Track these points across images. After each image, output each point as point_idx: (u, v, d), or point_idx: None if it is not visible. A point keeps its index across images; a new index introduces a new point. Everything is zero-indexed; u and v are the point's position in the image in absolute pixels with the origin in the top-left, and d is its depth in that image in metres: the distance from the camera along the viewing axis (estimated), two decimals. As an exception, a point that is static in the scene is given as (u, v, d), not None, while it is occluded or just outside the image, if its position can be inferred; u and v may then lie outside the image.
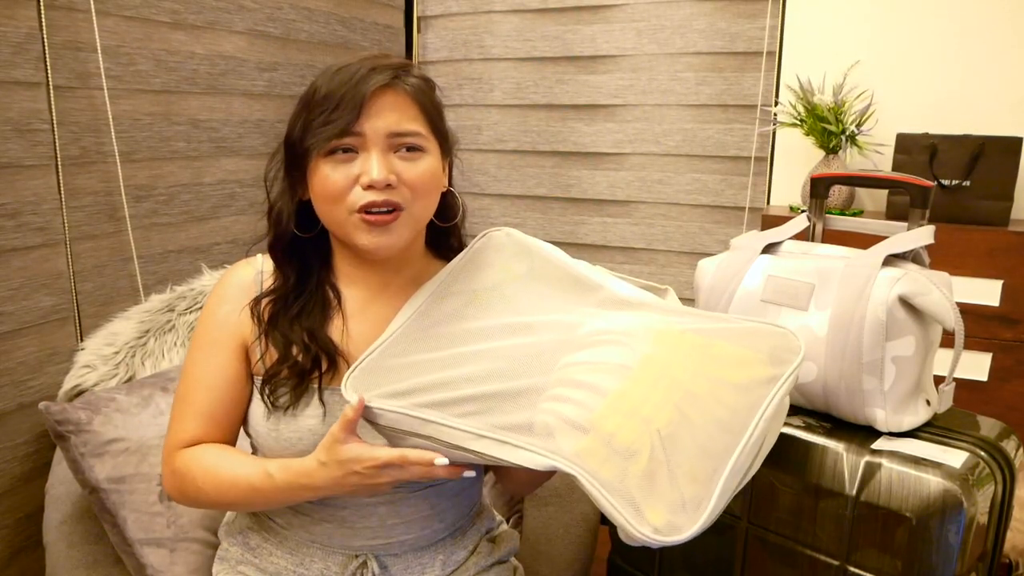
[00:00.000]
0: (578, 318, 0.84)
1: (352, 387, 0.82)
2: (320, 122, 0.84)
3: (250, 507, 0.96)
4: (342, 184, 0.84)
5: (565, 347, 0.80)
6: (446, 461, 0.77)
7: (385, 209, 0.85)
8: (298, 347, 0.90)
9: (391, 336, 0.87)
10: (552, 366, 0.78)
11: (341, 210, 0.85)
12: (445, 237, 1.00)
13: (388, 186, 0.84)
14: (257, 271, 0.95)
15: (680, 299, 0.93)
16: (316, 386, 0.90)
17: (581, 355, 0.79)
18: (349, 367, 0.90)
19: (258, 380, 0.91)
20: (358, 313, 0.94)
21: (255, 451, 0.97)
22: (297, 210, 0.92)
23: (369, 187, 0.84)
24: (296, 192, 0.91)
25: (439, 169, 0.90)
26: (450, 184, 0.97)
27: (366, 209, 0.84)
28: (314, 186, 0.87)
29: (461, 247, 0.99)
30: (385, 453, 0.78)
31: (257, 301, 0.92)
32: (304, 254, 0.94)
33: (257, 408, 0.92)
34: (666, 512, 0.66)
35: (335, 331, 0.92)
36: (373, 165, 0.84)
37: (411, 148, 0.86)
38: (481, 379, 0.78)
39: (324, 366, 0.90)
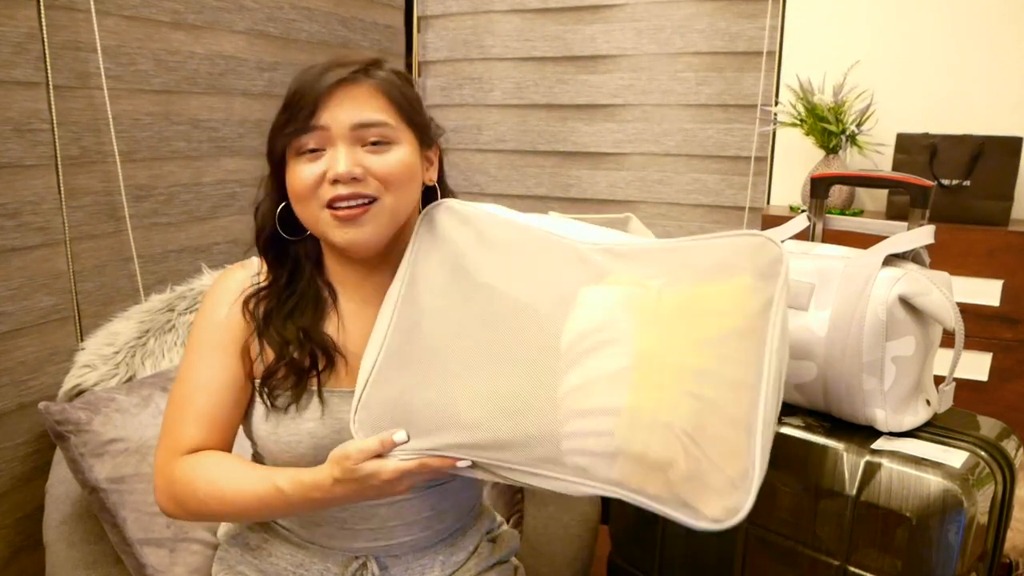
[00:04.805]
0: (551, 306, 0.80)
1: (360, 426, 0.82)
2: (284, 121, 0.85)
3: (255, 520, 0.95)
4: (311, 181, 0.84)
5: (554, 372, 0.77)
6: (469, 462, 0.78)
7: (354, 203, 0.84)
8: (293, 344, 0.89)
9: (377, 360, 0.85)
10: (553, 400, 0.76)
11: (313, 207, 0.85)
12: None
13: (354, 179, 0.83)
14: (252, 273, 0.94)
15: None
16: (315, 387, 0.89)
17: (573, 377, 0.76)
18: (348, 365, 0.90)
19: (257, 381, 0.91)
20: (354, 312, 0.93)
21: (255, 455, 0.97)
22: (286, 214, 0.92)
23: (335, 181, 0.83)
24: (280, 194, 0.91)
25: (414, 161, 0.88)
26: (441, 178, 0.96)
27: (333, 203, 0.84)
28: (289, 187, 0.87)
29: None
30: (405, 464, 0.78)
31: (248, 299, 0.91)
32: (297, 255, 0.94)
33: (257, 410, 0.91)
34: (719, 500, 0.67)
35: (331, 328, 0.92)
36: (339, 159, 0.83)
37: (379, 141, 0.85)
38: (489, 423, 0.77)
39: (322, 364, 0.89)
